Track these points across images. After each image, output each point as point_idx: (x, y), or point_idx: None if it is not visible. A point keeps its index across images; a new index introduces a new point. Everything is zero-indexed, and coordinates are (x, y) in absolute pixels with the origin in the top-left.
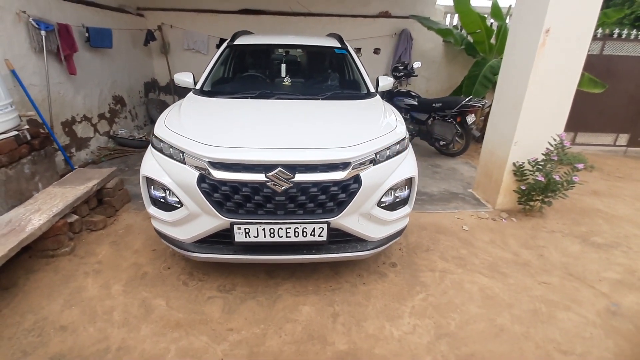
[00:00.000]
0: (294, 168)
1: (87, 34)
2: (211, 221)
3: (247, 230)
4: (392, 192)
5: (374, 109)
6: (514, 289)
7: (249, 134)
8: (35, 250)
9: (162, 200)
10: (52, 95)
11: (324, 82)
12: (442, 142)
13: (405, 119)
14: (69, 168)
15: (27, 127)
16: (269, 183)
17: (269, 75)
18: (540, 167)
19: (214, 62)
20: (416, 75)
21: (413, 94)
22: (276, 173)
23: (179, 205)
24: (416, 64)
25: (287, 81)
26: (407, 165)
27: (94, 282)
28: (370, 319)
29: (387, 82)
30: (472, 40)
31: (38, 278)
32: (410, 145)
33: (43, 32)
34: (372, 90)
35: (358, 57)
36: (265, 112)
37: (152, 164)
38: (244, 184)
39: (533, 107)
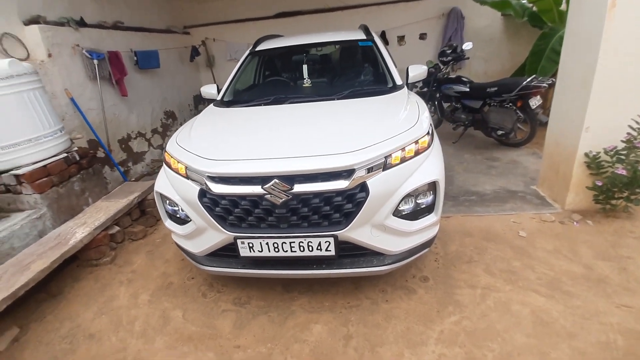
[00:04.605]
0: (292, 178)
1: (135, 58)
2: (216, 235)
3: (250, 245)
4: (412, 199)
5: (393, 105)
6: (581, 313)
7: (248, 145)
8: (82, 260)
9: (175, 214)
10: (108, 117)
11: (344, 80)
12: (500, 132)
13: (456, 109)
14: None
15: (76, 148)
16: (267, 195)
17: (290, 78)
18: (622, 157)
19: (235, 71)
20: (467, 58)
21: (464, 79)
22: (272, 185)
23: (189, 220)
24: (466, 45)
25: (307, 82)
26: (429, 167)
27: (126, 291)
28: (388, 344)
29: (418, 72)
30: (536, 10)
31: (81, 286)
32: (435, 144)
33: (95, 61)
34: (399, 82)
35: (401, 45)
36: (272, 119)
37: (163, 180)
38: (243, 197)
39: (607, 84)
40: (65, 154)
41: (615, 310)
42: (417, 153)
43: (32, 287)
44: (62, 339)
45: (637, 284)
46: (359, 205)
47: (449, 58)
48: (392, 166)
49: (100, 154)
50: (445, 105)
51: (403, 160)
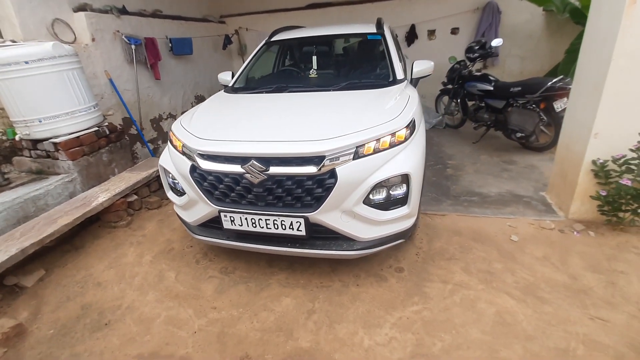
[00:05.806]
0: (268, 160)
1: (170, 44)
2: (205, 207)
3: (232, 219)
4: (385, 190)
5: (382, 98)
6: (548, 319)
7: (235, 128)
8: (103, 221)
9: (175, 186)
10: (142, 98)
11: (348, 72)
12: (519, 134)
13: (479, 108)
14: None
15: (106, 124)
16: (246, 174)
17: (299, 68)
18: (634, 167)
19: (249, 60)
20: (496, 56)
21: (491, 77)
22: (250, 165)
23: (184, 192)
24: (496, 42)
25: (312, 73)
26: (402, 159)
27: (134, 251)
28: (346, 323)
29: (423, 67)
30: (579, 5)
31: (99, 243)
32: (417, 137)
33: (133, 46)
34: (400, 77)
35: (431, 39)
36: (266, 106)
37: (166, 156)
38: (226, 174)
39: (619, 88)
40: (97, 128)
41: (587, 321)
42: (392, 145)
43: (59, 239)
44: (76, 284)
45: (622, 300)
46: (328, 190)
47: (476, 54)
48: (363, 156)
49: (133, 131)
50: (470, 103)
51: (376, 151)
